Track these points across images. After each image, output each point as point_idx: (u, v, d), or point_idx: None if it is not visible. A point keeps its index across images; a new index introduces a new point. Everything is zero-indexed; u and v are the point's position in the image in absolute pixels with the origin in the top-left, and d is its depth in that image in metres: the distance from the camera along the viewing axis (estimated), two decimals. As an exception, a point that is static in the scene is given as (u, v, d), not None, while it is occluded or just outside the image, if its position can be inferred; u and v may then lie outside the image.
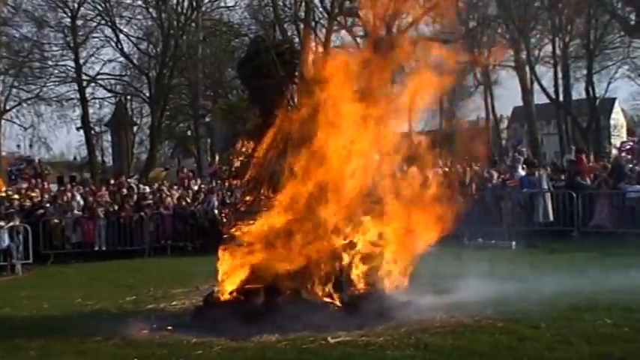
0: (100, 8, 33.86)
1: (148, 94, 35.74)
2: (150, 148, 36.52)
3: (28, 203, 19.59)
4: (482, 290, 9.13)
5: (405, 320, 7.94)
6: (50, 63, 34.78)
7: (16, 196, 19.76)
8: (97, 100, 37.36)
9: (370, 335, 7.51)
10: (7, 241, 16.55)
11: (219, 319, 8.22)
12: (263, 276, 8.54)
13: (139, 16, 35.01)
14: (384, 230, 8.94)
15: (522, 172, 17.75)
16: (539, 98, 38.74)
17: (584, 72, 38.18)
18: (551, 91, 37.90)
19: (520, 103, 38.69)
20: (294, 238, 8.50)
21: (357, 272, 8.64)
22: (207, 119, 35.53)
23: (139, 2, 34.48)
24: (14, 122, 35.91)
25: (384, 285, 8.77)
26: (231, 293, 8.72)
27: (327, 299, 8.39)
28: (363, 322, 7.93)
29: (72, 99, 35.91)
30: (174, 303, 10.39)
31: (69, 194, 19.77)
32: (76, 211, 18.90)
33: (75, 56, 34.28)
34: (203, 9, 34.83)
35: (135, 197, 19.84)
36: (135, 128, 39.95)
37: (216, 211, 18.23)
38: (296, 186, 8.66)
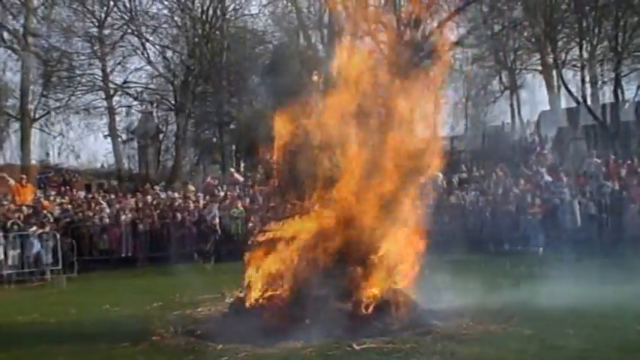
0: (127, 17, 34.17)
1: (173, 102, 36.01)
2: (175, 156, 36.76)
3: (57, 211, 19.84)
4: (509, 297, 9.05)
5: (432, 327, 7.89)
6: (78, 72, 35.11)
7: (46, 203, 20.04)
8: (123, 109, 37.74)
9: (396, 342, 7.48)
10: (37, 247, 16.73)
11: (245, 325, 8.25)
12: (288, 283, 8.55)
13: (164, 25, 35.30)
14: (410, 236, 8.90)
15: (548, 178, 17.56)
16: (566, 102, 38.31)
17: (612, 75, 37.66)
18: (578, 94, 37.45)
19: (547, 107, 38.31)
20: (319, 245, 8.50)
21: (383, 278, 8.59)
22: (231, 126, 35.67)
23: (165, 11, 34.80)
24: (44, 131, 36.43)
25: (410, 291, 8.71)
26: (256, 300, 8.74)
27: (352, 305, 8.35)
28: (389, 329, 7.90)
29: (99, 107, 36.30)
30: (200, 309, 10.44)
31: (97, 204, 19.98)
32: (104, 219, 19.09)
33: (102, 65, 34.60)
34: (227, 17, 35.01)
35: (161, 205, 19.96)
36: (161, 136, 40.28)
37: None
38: (322, 193, 8.66)
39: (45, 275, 16.68)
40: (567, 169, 19.43)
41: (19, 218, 17.44)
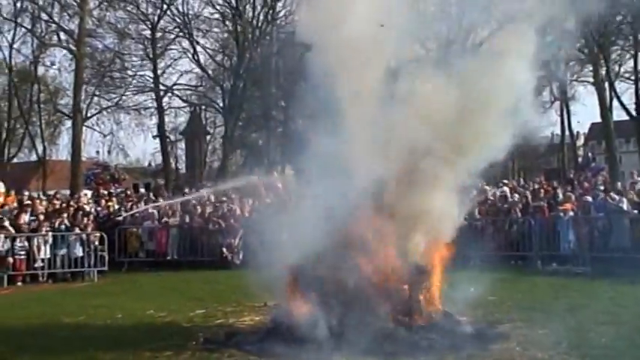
0: (179, 21, 34.70)
1: (221, 105, 36.37)
2: (222, 157, 37.14)
3: (105, 211, 20.21)
4: (557, 320, 8.85)
5: (477, 351, 7.76)
6: (130, 73, 35.91)
7: (91, 203, 20.48)
8: (172, 110, 38.36)
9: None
10: (80, 250, 17.02)
11: (288, 339, 8.23)
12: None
13: (215, 29, 35.71)
14: (455, 253, 8.78)
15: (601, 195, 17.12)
16: (619, 115, 37.52)
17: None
18: (631, 108, 36.61)
19: (598, 119, 37.52)
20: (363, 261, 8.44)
21: (428, 298, 8.50)
22: (279, 130, 35.83)
23: (216, 15, 35.19)
24: (94, 129, 37.33)
25: (456, 313, 8.60)
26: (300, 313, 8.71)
27: (397, 324, 8.28)
28: (433, 350, 7.80)
29: (149, 108, 37.03)
30: (243, 319, 10.47)
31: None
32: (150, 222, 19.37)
33: (153, 67, 35.19)
34: (278, 22, 35.21)
35: (207, 208, 20.07)
36: (208, 137, 40.77)
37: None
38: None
39: (90, 276, 17.00)
40: (620, 182, 18.96)
41: (67, 217, 17.78)
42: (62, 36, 34.41)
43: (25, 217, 17.15)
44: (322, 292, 8.51)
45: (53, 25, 34.09)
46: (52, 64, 36.65)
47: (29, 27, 34.54)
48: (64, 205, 19.12)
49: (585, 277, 14.36)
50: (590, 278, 14.20)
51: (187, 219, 19.32)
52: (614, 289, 12.24)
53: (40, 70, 37.07)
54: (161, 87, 35.98)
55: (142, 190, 28.24)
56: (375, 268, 8.41)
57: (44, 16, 33.93)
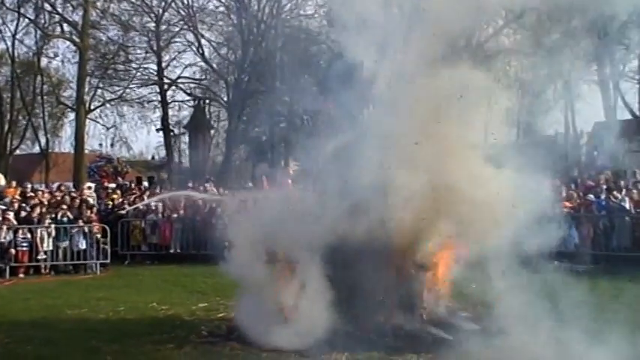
0: (184, 14, 34.65)
1: (225, 99, 36.38)
2: (226, 152, 37.15)
3: (109, 204, 20.26)
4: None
5: (476, 349, 7.77)
6: (134, 66, 35.87)
7: (94, 196, 20.52)
8: (176, 103, 38.36)
9: (440, 360, 7.44)
10: (83, 242, 17.05)
11: (290, 333, 8.25)
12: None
13: (220, 22, 35.66)
14: (459, 252, 8.78)
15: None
16: (622, 114, 37.44)
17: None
18: (635, 107, 36.55)
19: (602, 118, 37.47)
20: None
21: (431, 295, 8.52)
22: (282, 125, 35.83)
23: (221, 8, 35.15)
24: (97, 122, 37.32)
25: (457, 310, 8.62)
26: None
27: (399, 321, 8.31)
28: (433, 347, 7.83)
29: (153, 101, 37.00)
30: (245, 313, 10.49)
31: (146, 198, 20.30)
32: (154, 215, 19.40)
33: (157, 60, 35.17)
34: (283, 16, 35.16)
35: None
36: (212, 131, 40.74)
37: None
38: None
39: (93, 269, 17.04)
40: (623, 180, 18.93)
41: (69, 209, 17.80)
42: (66, 27, 34.38)
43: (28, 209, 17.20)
44: (325, 285, 8.53)
45: (57, 16, 34.04)
46: (56, 55, 36.54)
47: (32, 18, 34.42)
48: (66, 197, 19.14)
49: (586, 275, 14.35)
50: (590, 276, 14.20)
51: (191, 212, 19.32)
52: (615, 287, 12.29)
53: (43, 61, 36.93)
54: (165, 80, 36.00)
55: (145, 184, 28.27)
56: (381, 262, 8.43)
57: (47, 7, 33.86)
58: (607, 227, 16.40)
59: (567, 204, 16.74)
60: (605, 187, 17.34)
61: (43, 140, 39.09)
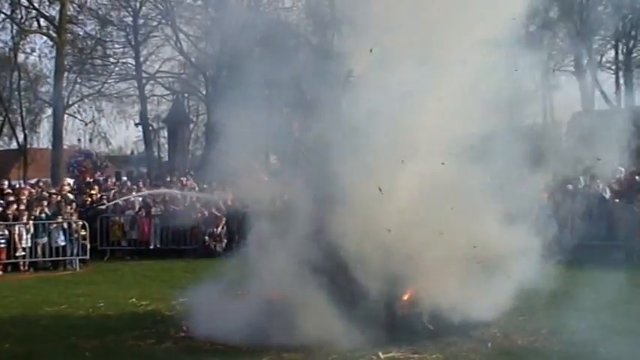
0: (161, 8, 34.35)
1: (204, 92, 36.19)
2: (205, 146, 36.98)
3: (88, 200, 20.09)
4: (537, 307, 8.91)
5: (459, 339, 7.82)
6: (112, 60, 35.52)
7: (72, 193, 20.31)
8: (155, 97, 38.14)
9: (421, 352, 7.45)
10: (62, 238, 16.88)
11: (272, 327, 8.20)
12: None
13: (198, 16, 35.40)
14: (447, 242, 8.73)
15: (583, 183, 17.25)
16: (600, 104, 37.78)
17: (647, 78, 37.01)
18: (612, 97, 36.91)
19: (580, 108, 37.79)
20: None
21: (412, 287, 8.49)
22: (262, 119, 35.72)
23: (199, 2, 34.88)
24: (76, 117, 37.03)
25: (439, 301, 8.58)
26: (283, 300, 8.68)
27: (380, 314, 8.28)
28: (415, 339, 7.85)
29: (131, 95, 36.78)
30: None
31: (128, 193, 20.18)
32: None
33: (135, 54, 34.84)
34: (261, 9, 34.95)
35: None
36: (191, 125, 40.57)
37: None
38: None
39: (72, 265, 16.89)
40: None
41: (47, 206, 17.62)
42: (42, 22, 33.91)
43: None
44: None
45: (33, 11, 33.58)
46: (33, 50, 36.23)
47: (8, 13, 33.97)
48: (44, 193, 18.94)
49: (563, 264, 14.42)
50: (567, 265, 14.26)
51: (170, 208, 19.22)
52: (593, 276, 12.35)
53: (20, 57, 36.55)
54: (143, 74, 35.70)
55: (124, 179, 28.07)
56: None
57: (24, 2, 33.41)
58: (585, 217, 16.51)
59: (546, 194, 16.83)
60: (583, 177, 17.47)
61: (20, 136, 38.73)
